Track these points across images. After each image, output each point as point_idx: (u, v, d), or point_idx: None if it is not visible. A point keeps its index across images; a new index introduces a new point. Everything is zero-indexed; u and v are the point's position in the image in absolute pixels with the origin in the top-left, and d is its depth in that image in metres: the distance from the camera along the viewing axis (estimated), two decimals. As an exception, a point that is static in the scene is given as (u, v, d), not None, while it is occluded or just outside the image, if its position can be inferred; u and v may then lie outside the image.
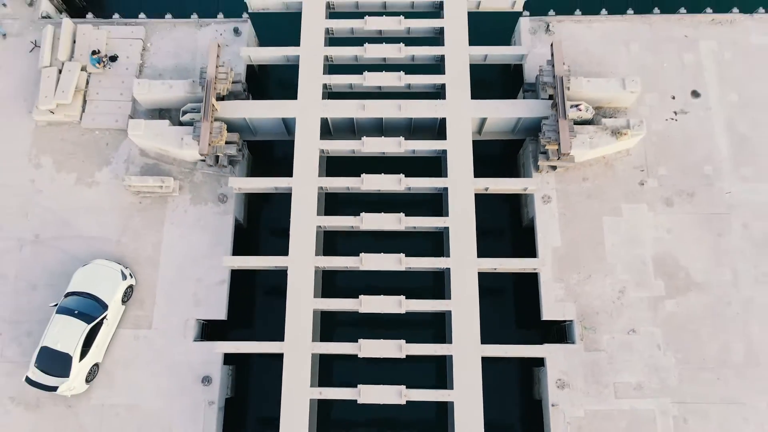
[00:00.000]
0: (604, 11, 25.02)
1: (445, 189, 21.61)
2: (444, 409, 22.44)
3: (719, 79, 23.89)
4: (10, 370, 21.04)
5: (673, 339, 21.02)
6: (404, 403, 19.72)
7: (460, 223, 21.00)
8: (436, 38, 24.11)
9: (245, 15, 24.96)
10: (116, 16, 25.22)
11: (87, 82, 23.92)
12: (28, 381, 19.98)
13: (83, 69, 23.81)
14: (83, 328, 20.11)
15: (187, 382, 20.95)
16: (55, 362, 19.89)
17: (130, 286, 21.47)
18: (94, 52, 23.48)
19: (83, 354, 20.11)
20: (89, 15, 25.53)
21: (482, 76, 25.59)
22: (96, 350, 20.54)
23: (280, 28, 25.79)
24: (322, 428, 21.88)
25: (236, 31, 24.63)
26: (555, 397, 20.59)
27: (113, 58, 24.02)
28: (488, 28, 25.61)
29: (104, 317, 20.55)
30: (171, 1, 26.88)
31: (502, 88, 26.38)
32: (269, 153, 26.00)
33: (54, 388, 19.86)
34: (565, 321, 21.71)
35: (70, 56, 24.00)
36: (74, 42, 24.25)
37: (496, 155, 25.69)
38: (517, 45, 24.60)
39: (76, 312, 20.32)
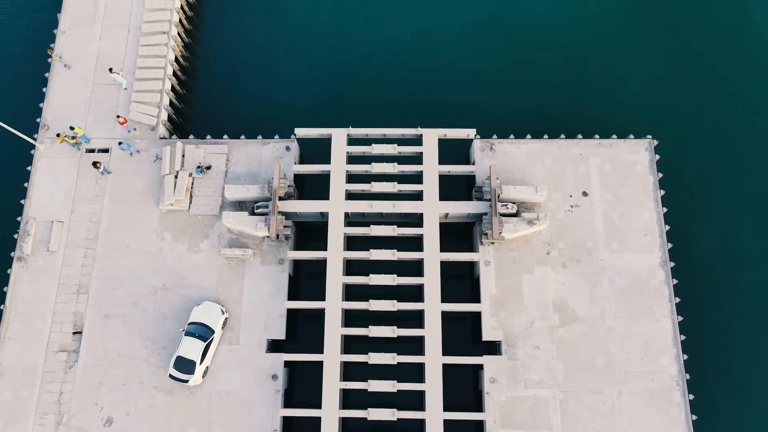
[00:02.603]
0: (528, 136, 37.62)
1: (422, 259, 34.51)
2: (422, 396, 35.00)
3: (600, 184, 36.38)
4: (153, 370, 33.75)
5: (562, 352, 33.56)
6: (396, 391, 32.48)
7: (430, 281, 33.81)
8: (419, 157, 36.78)
9: (293, 137, 37.63)
10: (209, 137, 38.02)
11: (192, 184, 36.76)
12: (171, 377, 32.62)
13: (190, 175, 36.61)
14: (202, 345, 32.69)
15: (262, 378, 33.44)
16: (185, 365, 32.47)
17: (226, 318, 34.31)
18: (198, 166, 36.29)
19: (201, 360, 32.72)
20: (191, 136, 38.38)
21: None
22: (208, 358, 33.07)
23: (317, 146, 38.22)
24: (346, 406, 34.34)
25: (287, 148, 37.41)
26: (488, 388, 33.05)
27: (209, 167, 36.82)
28: (453, 147, 38.20)
29: (212, 338, 33.22)
30: (243, 126, 39.51)
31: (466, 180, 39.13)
32: (307, 227, 38.60)
33: (186, 381, 32.54)
34: (497, 341, 34.43)
35: (181, 166, 36.88)
36: (183, 156, 37.19)
37: (459, 227, 38.31)
38: (472, 158, 37.38)
39: (196, 335, 32.86)
